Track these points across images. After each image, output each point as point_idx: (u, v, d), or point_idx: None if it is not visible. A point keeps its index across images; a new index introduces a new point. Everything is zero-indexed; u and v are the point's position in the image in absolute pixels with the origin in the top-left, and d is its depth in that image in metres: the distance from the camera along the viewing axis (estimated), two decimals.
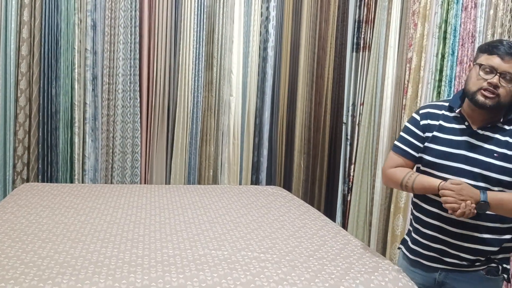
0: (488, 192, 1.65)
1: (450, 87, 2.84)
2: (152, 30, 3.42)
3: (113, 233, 2.03)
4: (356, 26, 3.96)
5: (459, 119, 1.78)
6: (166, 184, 3.51)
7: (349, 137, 4.01)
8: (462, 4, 2.80)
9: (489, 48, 1.69)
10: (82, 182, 3.31)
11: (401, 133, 1.91)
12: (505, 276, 1.79)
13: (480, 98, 1.67)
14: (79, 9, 3.22)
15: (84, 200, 2.51)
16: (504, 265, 1.79)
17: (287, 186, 3.83)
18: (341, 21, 3.95)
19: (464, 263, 1.77)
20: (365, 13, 3.87)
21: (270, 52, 3.69)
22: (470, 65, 1.81)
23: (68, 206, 2.39)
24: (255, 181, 3.77)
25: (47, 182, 3.24)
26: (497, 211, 1.66)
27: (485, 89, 1.65)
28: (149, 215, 2.32)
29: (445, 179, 1.71)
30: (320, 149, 3.98)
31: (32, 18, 3.16)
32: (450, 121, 1.79)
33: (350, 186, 3.94)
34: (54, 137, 3.27)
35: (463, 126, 1.76)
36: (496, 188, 1.69)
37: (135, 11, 3.35)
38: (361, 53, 3.91)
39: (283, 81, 3.80)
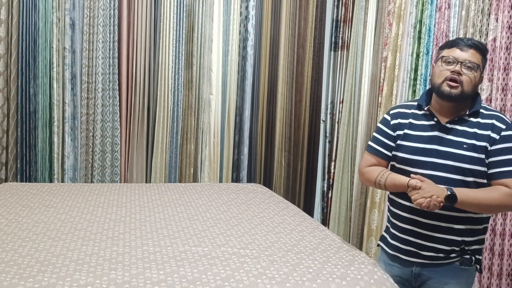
0: (455, 188, 1.73)
1: (425, 86, 2.91)
2: (131, 29, 3.42)
3: (93, 231, 2.03)
4: (334, 26, 4.01)
5: (428, 116, 1.86)
6: (146, 183, 3.51)
7: (328, 134, 4.07)
8: (436, 5, 2.87)
9: (449, 43, 1.83)
10: (62, 182, 3.30)
11: (374, 134, 2.00)
12: (478, 266, 1.87)
13: (445, 88, 1.76)
14: (57, 8, 3.21)
15: (64, 199, 2.51)
16: (477, 256, 1.86)
17: (268, 183, 3.87)
18: (319, 20, 4.01)
19: (441, 255, 1.83)
20: (343, 13, 3.92)
21: (250, 51, 3.73)
22: (433, 65, 1.89)
23: (47, 205, 2.38)
24: (236, 179, 3.80)
25: (26, 182, 3.22)
26: (465, 206, 1.73)
27: (449, 79, 1.76)
28: (129, 213, 2.33)
29: (420, 174, 1.78)
30: (300, 147, 4.03)
31: (10, 17, 3.14)
32: (420, 119, 1.88)
33: (330, 183, 4.00)
34: (33, 137, 3.25)
35: (432, 122, 1.85)
36: (469, 179, 1.77)
37: (114, 9, 3.35)
38: (339, 52, 3.97)
39: (263, 80, 3.83)
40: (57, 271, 1.61)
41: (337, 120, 3.96)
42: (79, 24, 3.30)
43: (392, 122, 1.93)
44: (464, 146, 1.77)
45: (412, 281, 1.91)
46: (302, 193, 4.10)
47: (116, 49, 3.38)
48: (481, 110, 1.81)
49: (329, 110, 4.08)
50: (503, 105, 2.40)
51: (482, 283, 2.46)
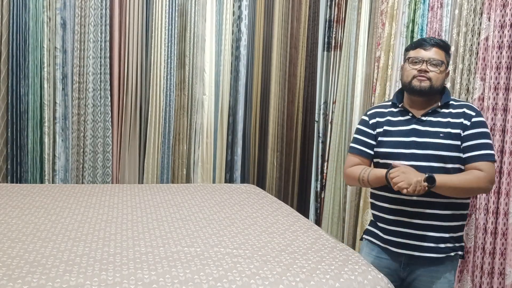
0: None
1: None
2: (123, 29, 3.40)
3: (84, 232, 2.01)
4: (327, 26, 4.01)
5: (403, 112, 1.99)
6: (139, 183, 3.49)
7: (321, 135, 4.07)
8: (428, 4, 2.87)
9: (413, 45, 1.97)
10: (53, 183, 3.26)
11: (354, 135, 2.09)
12: (461, 253, 1.98)
13: (415, 83, 1.90)
14: (48, 7, 3.18)
15: (55, 200, 2.48)
16: (461, 244, 1.97)
17: (261, 184, 3.86)
18: (312, 20, 4.00)
19: (431, 245, 1.90)
20: (335, 13, 3.92)
21: (243, 51, 3.71)
22: (401, 66, 2.03)
23: (38, 206, 2.35)
24: (229, 179, 3.78)
25: (16, 183, 3.18)
26: (442, 189, 1.81)
27: (417, 75, 1.89)
28: (121, 214, 2.31)
29: None
30: (293, 147, 4.02)
31: (0, 16, 3.10)
32: (396, 115, 2.01)
33: (323, 184, 3.99)
34: (23, 137, 3.21)
35: (408, 117, 1.98)
36: (449, 165, 1.88)
37: (106, 9, 3.33)
38: (332, 52, 3.97)
39: (256, 80, 3.82)
40: (47, 272, 1.59)
41: (330, 121, 3.95)
42: (70, 24, 3.28)
43: (371, 122, 2.04)
44: (441, 135, 1.89)
45: (400, 271, 1.97)
46: (295, 193, 4.09)
47: (108, 49, 3.35)
48: (451, 102, 1.95)
49: (322, 111, 4.07)
50: (495, 103, 2.40)
51: (475, 282, 2.46)
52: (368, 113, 2.08)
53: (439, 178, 1.79)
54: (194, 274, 1.62)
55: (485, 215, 2.43)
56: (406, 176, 1.76)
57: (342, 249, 1.96)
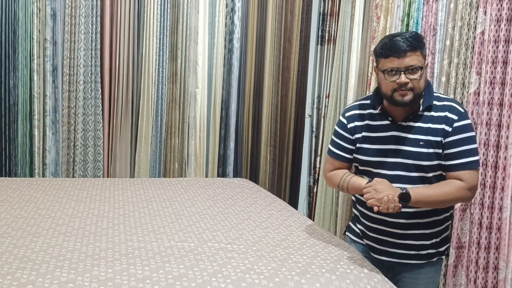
0: (410, 187, 1.71)
1: None
2: (114, 20, 3.34)
3: (75, 227, 1.97)
4: (320, 19, 3.98)
5: (383, 116, 1.84)
6: (130, 177, 3.45)
7: (314, 129, 4.05)
8: None
9: (382, 52, 1.73)
10: (43, 177, 3.21)
11: (332, 137, 1.97)
12: (443, 256, 1.94)
13: (398, 98, 1.72)
14: None
15: (45, 194, 2.43)
16: (446, 246, 1.91)
17: (254, 178, 3.83)
18: (305, 13, 3.97)
19: (412, 252, 1.86)
20: (329, 6, 3.89)
21: (236, 44, 3.67)
22: (374, 68, 1.81)
23: (27, 200, 2.31)
24: (222, 173, 3.75)
25: (5, 177, 3.13)
26: (419, 204, 1.73)
27: (398, 89, 1.70)
28: (113, 208, 2.27)
29: (382, 175, 1.78)
30: (286, 142, 4.00)
31: None
32: (376, 119, 1.86)
33: (316, 178, 3.98)
34: (13, 130, 3.16)
35: (388, 122, 1.83)
36: (430, 175, 1.78)
37: (97, 0, 3.27)
38: (325, 46, 3.94)
39: (249, 73, 3.78)
40: (37, 267, 1.55)
41: (323, 115, 3.93)
42: (61, 15, 3.21)
43: (349, 126, 1.91)
44: (421, 143, 1.76)
45: (384, 271, 1.91)
46: (287, 188, 4.07)
47: (99, 41, 3.30)
48: (434, 102, 1.78)
49: (315, 105, 4.05)
50: (491, 98, 2.39)
51: (470, 277, 2.46)
52: (346, 114, 1.93)
53: (415, 193, 1.67)
54: (188, 270, 1.60)
55: (480, 209, 2.42)
56: (377, 193, 1.64)
57: (337, 244, 1.94)
